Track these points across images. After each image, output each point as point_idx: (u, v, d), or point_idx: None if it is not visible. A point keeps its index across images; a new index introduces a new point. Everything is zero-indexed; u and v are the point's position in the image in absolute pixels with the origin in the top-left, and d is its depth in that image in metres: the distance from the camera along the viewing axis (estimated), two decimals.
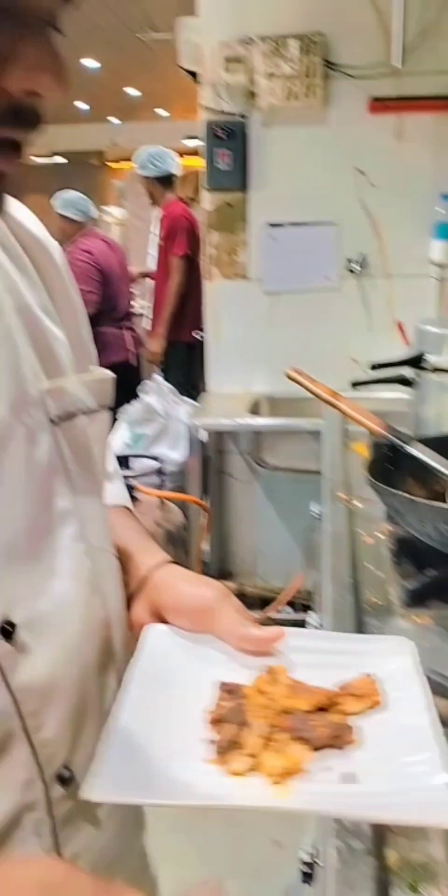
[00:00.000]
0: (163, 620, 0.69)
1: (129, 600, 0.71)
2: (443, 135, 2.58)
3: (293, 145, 2.67)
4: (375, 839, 0.66)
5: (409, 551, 1.21)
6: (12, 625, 0.54)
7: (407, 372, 1.85)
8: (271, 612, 2.62)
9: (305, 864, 0.76)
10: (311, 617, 1.44)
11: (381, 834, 0.68)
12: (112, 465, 0.76)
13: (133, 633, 0.70)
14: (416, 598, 1.11)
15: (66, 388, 0.61)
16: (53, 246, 0.68)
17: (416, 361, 1.81)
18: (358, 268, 2.69)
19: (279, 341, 2.75)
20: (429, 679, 0.83)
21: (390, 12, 2.47)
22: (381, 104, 2.57)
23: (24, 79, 0.44)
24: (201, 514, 2.72)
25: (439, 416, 1.75)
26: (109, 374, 0.68)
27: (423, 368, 1.78)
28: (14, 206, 0.64)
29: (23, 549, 0.57)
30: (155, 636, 0.67)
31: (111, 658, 0.65)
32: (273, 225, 2.73)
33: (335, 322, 2.73)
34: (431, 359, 1.76)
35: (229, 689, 0.61)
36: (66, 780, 0.59)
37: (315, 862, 0.74)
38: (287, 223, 2.72)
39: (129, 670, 0.63)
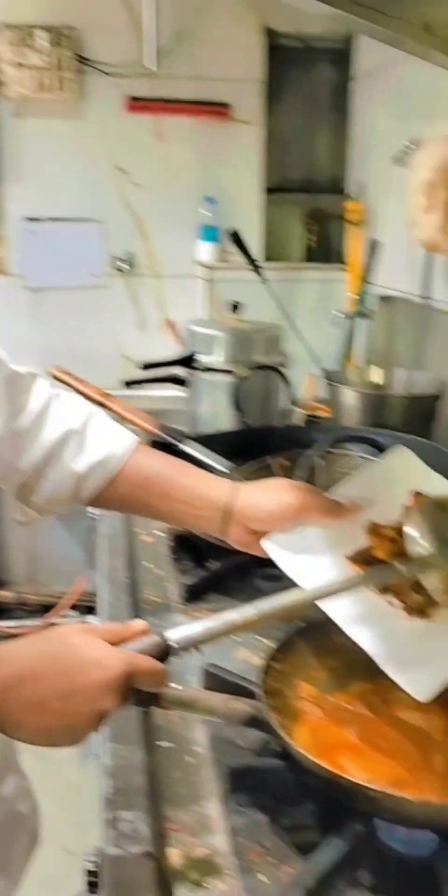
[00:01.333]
0: (260, 533, 0.86)
1: (218, 529, 0.88)
2: (202, 139, 2.63)
3: (49, 138, 2.59)
4: (155, 840, 0.67)
5: (187, 547, 1.24)
6: None
7: (179, 371, 1.90)
8: (53, 618, 2.55)
9: (90, 872, 0.75)
10: (92, 620, 1.42)
11: (161, 834, 0.69)
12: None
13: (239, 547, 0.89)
14: (194, 593, 1.14)
15: None
16: None
17: (187, 361, 1.86)
18: (126, 266, 2.69)
19: (44, 339, 2.63)
20: (206, 673, 0.85)
21: (141, 13, 2.46)
22: (138, 104, 2.56)
23: None
24: None
25: (212, 414, 1.81)
26: None
27: (194, 368, 1.83)
28: None
29: None
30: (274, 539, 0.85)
31: None
32: (31, 219, 2.63)
33: (104, 320, 2.70)
34: (202, 358, 1.82)
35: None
36: None
37: (98, 870, 0.73)
38: (46, 218, 2.64)
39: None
